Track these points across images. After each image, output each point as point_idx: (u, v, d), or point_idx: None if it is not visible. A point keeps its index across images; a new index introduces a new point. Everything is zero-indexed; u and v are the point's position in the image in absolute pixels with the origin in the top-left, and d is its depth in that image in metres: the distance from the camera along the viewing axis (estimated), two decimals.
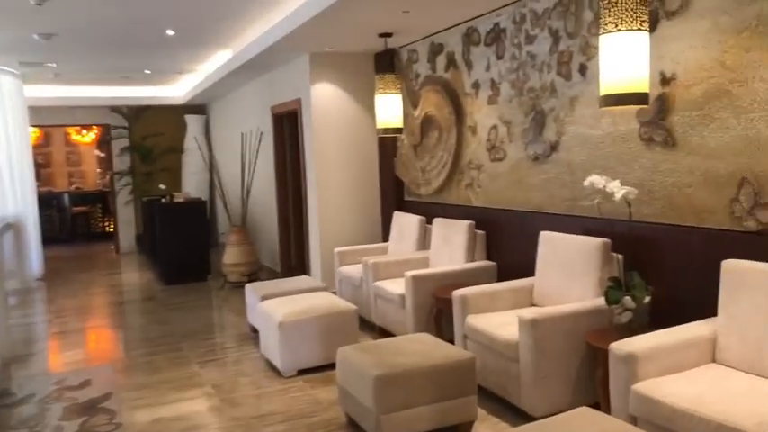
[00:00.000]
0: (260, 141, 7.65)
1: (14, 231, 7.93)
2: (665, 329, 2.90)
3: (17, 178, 8.17)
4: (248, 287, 5.49)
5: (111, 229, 12.05)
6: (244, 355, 4.95)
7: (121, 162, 11.10)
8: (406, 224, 5.81)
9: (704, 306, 3.07)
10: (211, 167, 10.46)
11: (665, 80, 3.34)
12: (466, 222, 4.93)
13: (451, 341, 3.89)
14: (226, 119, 10.01)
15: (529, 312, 3.33)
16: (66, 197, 12.52)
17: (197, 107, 11.47)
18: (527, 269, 4.41)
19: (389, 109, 5.43)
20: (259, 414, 3.75)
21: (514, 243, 4.67)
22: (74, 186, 14.08)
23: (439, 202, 5.64)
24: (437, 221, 5.32)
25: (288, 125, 7.55)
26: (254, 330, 5.43)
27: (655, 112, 3.41)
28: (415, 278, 4.60)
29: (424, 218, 5.63)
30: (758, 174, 2.93)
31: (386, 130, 5.46)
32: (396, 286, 4.88)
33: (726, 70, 3.04)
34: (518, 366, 3.37)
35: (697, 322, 2.97)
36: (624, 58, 2.97)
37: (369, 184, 6.61)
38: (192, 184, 11.00)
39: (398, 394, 3.12)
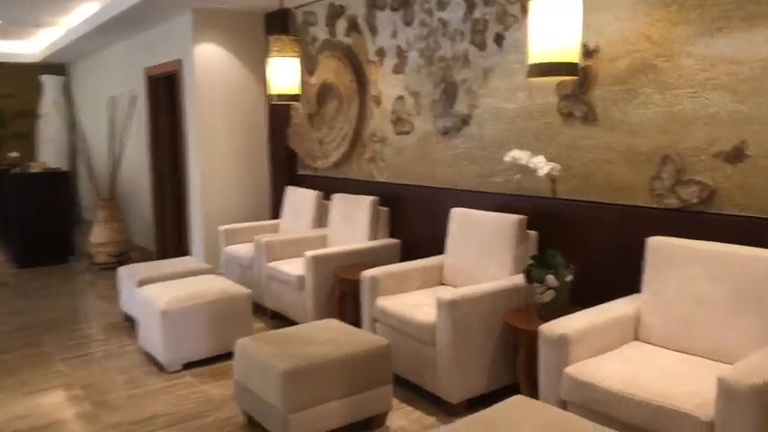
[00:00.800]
0: (132, 106, 6.87)
1: None
2: (591, 309, 2.79)
3: None
4: (121, 270, 4.86)
5: None
6: (118, 348, 4.36)
7: None
8: (300, 200, 5.42)
9: (623, 284, 3.01)
10: (74, 134, 9.39)
11: (587, 52, 3.22)
12: (369, 198, 4.64)
13: (356, 324, 3.60)
14: (91, 80, 8.97)
15: (448, 293, 3.11)
16: None
17: (55, 66, 10.23)
18: (433, 247, 4.21)
19: (286, 74, 4.98)
20: (141, 418, 3.25)
21: (420, 220, 4.45)
22: None
23: (338, 177, 5.30)
24: (337, 197, 4.99)
25: (165, 89, 6.83)
26: (129, 319, 4.85)
27: (576, 85, 3.29)
28: (315, 258, 4.25)
29: (321, 193, 5.27)
30: (681, 151, 2.88)
31: (281, 97, 5.00)
32: (293, 267, 4.50)
33: (652, 44, 2.96)
34: (434, 350, 3.16)
35: (620, 300, 2.89)
36: (555, 25, 2.79)
37: (257, 155, 6.13)
38: (50, 153, 9.84)
39: (309, 390, 2.78)
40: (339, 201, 4.95)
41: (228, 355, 3.98)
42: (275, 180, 6.14)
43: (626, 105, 3.09)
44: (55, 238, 7.11)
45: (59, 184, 7.16)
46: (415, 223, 4.52)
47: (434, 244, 4.24)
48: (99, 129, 7.81)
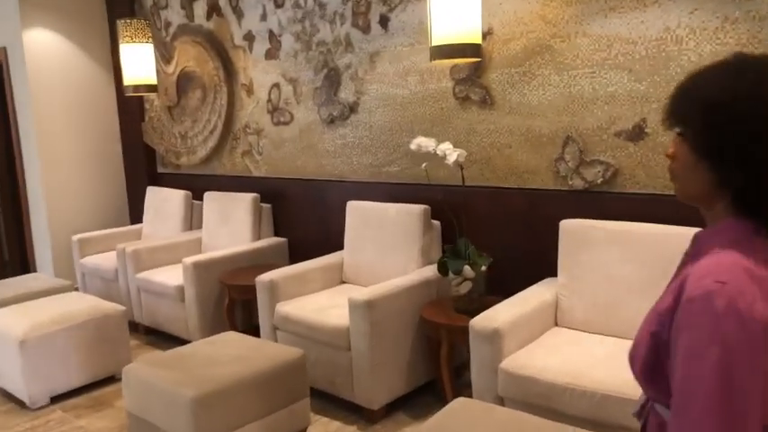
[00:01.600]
0: None
1: None
2: (512, 298, 2.74)
3: None
4: None
5: None
6: None
7: None
8: (165, 201, 4.92)
9: (535, 269, 3.02)
10: None
11: (481, 35, 3.16)
12: (249, 195, 4.30)
13: (250, 334, 3.29)
14: None
15: (361, 293, 2.92)
16: None
17: None
18: (324, 244, 4.01)
19: (139, 62, 4.45)
20: None
21: (308, 216, 4.20)
22: None
23: (207, 174, 4.87)
24: (210, 196, 4.57)
25: None
26: None
27: (471, 68, 3.23)
28: (196, 265, 3.84)
29: (189, 193, 4.81)
30: (582, 132, 2.91)
31: (137, 88, 4.47)
32: (168, 276, 4.05)
33: (547, 24, 2.95)
34: (349, 355, 2.96)
35: (536, 286, 2.88)
36: (457, 6, 2.69)
37: (110, 154, 5.48)
38: None
39: (222, 416, 2.47)
40: (213, 200, 4.54)
41: (105, 382, 3.51)
42: (132, 181, 5.54)
43: (523, 87, 3.07)
44: None
45: None
46: (301, 220, 4.26)
47: (326, 241, 4.03)
48: None
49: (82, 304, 3.60)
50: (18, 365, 3.23)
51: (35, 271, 5.38)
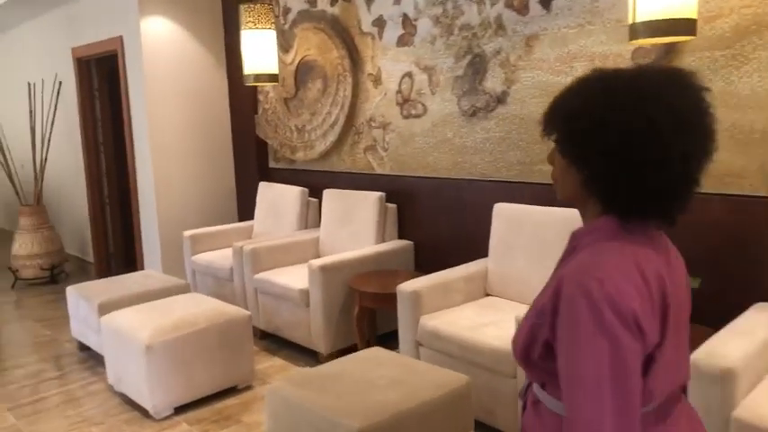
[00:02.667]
0: (58, 94, 5.81)
1: None
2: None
3: None
4: (72, 291, 3.96)
5: None
6: (80, 389, 3.49)
7: None
8: (279, 198, 4.66)
9: (745, 293, 2.52)
10: None
11: None
12: (375, 194, 3.97)
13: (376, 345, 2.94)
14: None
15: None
16: None
17: None
18: (459, 250, 3.63)
19: (263, 50, 4.20)
20: None
21: (438, 218, 3.83)
22: None
23: (325, 170, 4.57)
24: (330, 194, 4.27)
25: (99, 72, 5.82)
26: (84, 348, 3.98)
27: (661, 51, 2.75)
28: (324, 269, 3.53)
29: (306, 189, 4.54)
30: None
31: (257, 77, 4.22)
32: (291, 279, 3.76)
33: None
34: (514, 383, 2.56)
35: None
36: None
37: (220, 148, 5.28)
38: None
39: None
40: (334, 198, 4.24)
41: (229, 392, 3.25)
42: (242, 175, 5.33)
43: (731, 74, 2.57)
44: None
45: None
46: (430, 222, 3.89)
47: (460, 246, 3.65)
48: (15, 122, 6.64)
49: (203, 307, 3.35)
50: (143, 372, 3.01)
51: (141, 265, 5.25)
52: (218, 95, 5.23)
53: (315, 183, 4.59)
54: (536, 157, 3.28)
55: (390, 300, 3.19)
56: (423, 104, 3.82)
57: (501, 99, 3.40)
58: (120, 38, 5.04)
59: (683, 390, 1.13)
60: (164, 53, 4.91)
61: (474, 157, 3.58)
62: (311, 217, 4.57)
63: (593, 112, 1.00)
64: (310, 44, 4.51)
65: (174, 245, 4.98)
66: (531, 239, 3.07)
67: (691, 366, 2.00)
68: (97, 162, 5.88)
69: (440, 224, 3.83)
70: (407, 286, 3.00)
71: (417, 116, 3.86)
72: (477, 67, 3.49)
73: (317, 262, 3.56)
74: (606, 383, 0.93)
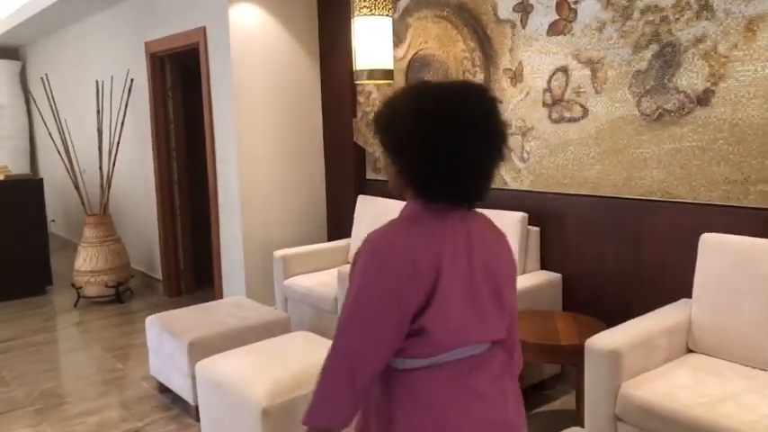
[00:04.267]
0: (129, 92, 5.28)
1: None
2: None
3: None
4: (154, 323, 3.37)
5: None
6: None
7: None
8: (384, 215, 3.98)
9: None
10: (58, 132, 7.66)
11: None
12: (517, 215, 3.27)
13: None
14: (63, 63, 7.24)
15: None
16: None
17: (7, 50, 8.43)
18: (628, 287, 2.91)
19: (378, 41, 3.55)
20: None
21: (598, 245, 3.11)
22: None
23: None
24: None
25: (175, 69, 5.28)
26: (165, 388, 3.39)
27: None
28: None
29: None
30: None
31: (371, 74, 3.58)
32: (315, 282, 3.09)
33: None
34: None
35: None
36: None
37: (310, 155, 4.66)
38: (3, 154, 8.07)
39: None
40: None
41: None
42: (334, 188, 4.69)
43: None
44: (27, 263, 5.48)
45: (33, 196, 5.52)
46: (584, 250, 3.17)
47: (631, 282, 2.93)
48: (81, 124, 6.15)
49: (320, 353, 2.69)
50: None
51: (218, 286, 4.64)
52: (310, 96, 4.61)
53: None
54: (756, 175, 2.54)
55: (559, 354, 2.51)
56: (582, 106, 3.11)
57: (702, 100, 2.67)
58: (203, 29, 4.46)
59: (506, 351, 1.35)
60: (253, 46, 4.31)
61: (657, 171, 2.85)
62: None
63: (395, 118, 1.23)
64: (428, 35, 3.85)
65: (259, 265, 4.36)
66: (764, 283, 2.33)
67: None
68: (168, 169, 5.32)
69: (601, 254, 3.11)
70: (602, 342, 2.29)
71: (573, 120, 3.16)
72: (668, 59, 2.77)
73: None
74: (347, 317, 1.20)
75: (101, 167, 5.30)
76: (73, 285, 5.22)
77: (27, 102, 8.36)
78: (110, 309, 5.11)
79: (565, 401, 3.11)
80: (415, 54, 3.94)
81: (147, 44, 5.18)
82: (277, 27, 4.40)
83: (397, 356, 1.22)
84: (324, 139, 4.70)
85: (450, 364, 1.23)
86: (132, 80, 5.26)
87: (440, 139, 1.18)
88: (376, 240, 1.21)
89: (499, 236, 1.35)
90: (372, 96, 4.28)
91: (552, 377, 3.20)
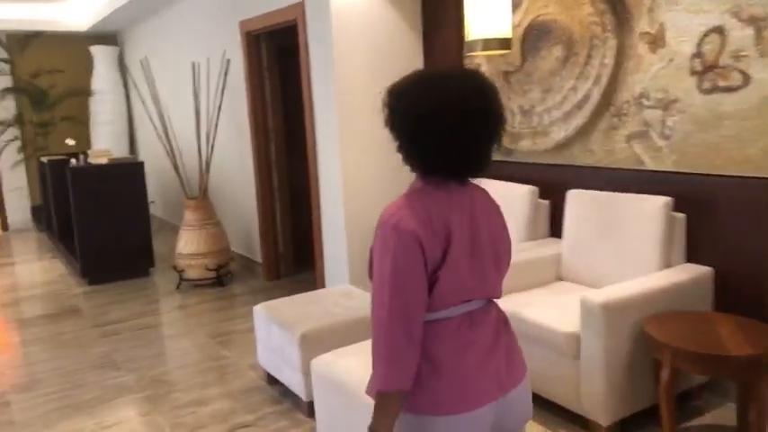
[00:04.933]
0: (225, 74, 5.18)
1: None
2: None
3: None
4: (261, 313, 3.24)
5: None
6: None
7: (2, 108, 8.13)
8: (496, 198, 3.68)
9: None
10: (157, 115, 7.81)
11: None
12: (659, 200, 2.89)
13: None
14: (158, 47, 7.30)
15: None
16: None
17: (106, 36, 8.62)
18: None
19: (494, 7, 3.23)
20: None
21: (758, 235, 2.69)
22: None
23: (562, 164, 3.55)
24: (579, 197, 3.25)
25: (271, 48, 5.14)
26: (273, 379, 3.27)
27: None
28: (607, 308, 2.52)
29: (535, 189, 3.55)
30: None
31: (486, 44, 3.26)
32: (546, 314, 2.79)
33: None
34: None
35: None
36: None
37: None
38: (106, 138, 8.29)
39: None
40: (585, 202, 3.20)
41: None
42: None
43: None
44: (131, 246, 5.55)
45: (134, 179, 5.57)
46: (743, 240, 2.76)
47: None
48: (178, 107, 6.15)
49: None
50: None
51: (320, 271, 4.49)
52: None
53: (546, 180, 3.59)
54: None
55: (727, 366, 2.16)
56: (743, 72, 2.68)
57: None
58: (302, 5, 4.26)
59: (497, 308, 1.48)
60: (353, 22, 4.07)
61: None
62: (541, 224, 3.58)
63: (398, 100, 1.38)
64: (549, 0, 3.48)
65: (363, 251, 4.17)
66: None
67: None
68: (266, 151, 5.21)
69: (763, 244, 2.69)
70: None
71: (731, 89, 2.73)
72: None
73: (595, 296, 2.55)
74: (387, 287, 1.31)
75: (199, 150, 5.26)
76: (174, 268, 5.23)
77: (125, 86, 8.53)
78: (211, 292, 5.09)
79: (717, 415, 2.74)
80: (533, 20, 3.58)
81: (242, 23, 5.05)
82: (379, 1, 4.13)
83: None
84: None
85: (449, 320, 1.37)
86: (228, 61, 5.16)
87: (431, 122, 1.32)
88: (394, 212, 1.35)
89: (495, 206, 1.51)
90: (482, 69, 3.95)
91: (699, 386, 2.83)
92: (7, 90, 8.06)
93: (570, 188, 3.35)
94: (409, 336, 1.30)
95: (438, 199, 1.36)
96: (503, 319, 1.47)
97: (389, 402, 1.33)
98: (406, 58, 4.29)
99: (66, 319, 4.61)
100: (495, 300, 1.47)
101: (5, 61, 8.00)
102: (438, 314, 1.36)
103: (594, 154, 3.36)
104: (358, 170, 4.17)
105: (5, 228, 8.29)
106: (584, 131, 3.38)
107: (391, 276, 1.30)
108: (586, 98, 3.32)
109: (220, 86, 5.18)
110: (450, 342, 1.36)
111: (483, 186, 1.51)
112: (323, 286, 4.48)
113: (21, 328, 4.50)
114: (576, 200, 3.25)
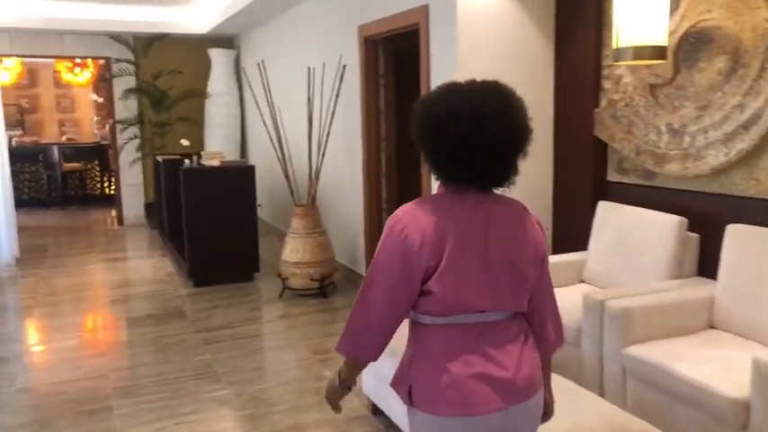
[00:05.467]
0: (341, 80, 5.03)
1: None
2: None
3: None
4: None
5: (113, 192, 9.54)
6: None
7: (125, 108, 8.46)
8: (636, 228, 3.28)
9: None
10: (271, 121, 7.86)
11: None
12: None
13: None
14: (274, 51, 7.32)
15: None
16: (55, 150, 9.89)
17: (224, 39, 8.80)
18: None
19: (647, 11, 2.84)
20: None
21: None
22: (65, 137, 11.47)
23: (718, 193, 3.08)
24: (742, 232, 2.78)
25: (388, 54, 4.94)
26: (377, 410, 3.03)
27: None
28: None
29: (684, 220, 3.11)
30: None
31: (638, 53, 2.88)
32: (701, 370, 2.37)
33: None
34: None
35: None
36: None
37: (540, 153, 4.04)
38: (218, 141, 8.44)
39: None
40: (751, 240, 2.74)
41: None
42: (564, 188, 4.03)
43: None
44: (238, 249, 5.52)
45: (245, 183, 5.55)
46: None
47: None
48: (291, 112, 6.09)
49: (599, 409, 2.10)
50: None
51: None
52: (541, 83, 3.99)
53: (696, 210, 3.14)
54: None
55: None
56: None
57: None
58: (426, 9, 4.02)
59: (534, 325, 1.53)
60: (479, 26, 3.78)
61: None
62: (688, 261, 3.13)
63: (421, 112, 1.44)
64: (711, 2, 3.03)
65: None
66: None
67: None
68: (377, 161, 5.02)
69: None
70: None
71: None
72: None
73: None
74: (371, 275, 1.44)
75: (309, 156, 5.14)
76: (279, 276, 5.13)
77: (240, 90, 8.67)
78: (313, 303, 4.95)
79: None
80: (691, 27, 3.14)
81: (360, 27, 4.89)
82: (509, 3, 3.82)
83: (416, 312, 1.46)
84: (554, 133, 4.06)
85: (461, 326, 1.42)
86: (345, 66, 5.00)
87: (447, 130, 1.36)
88: (398, 214, 1.43)
89: (523, 223, 1.47)
90: (624, 81, 3.54)
91: None
92: (130, 90, 8.38)
93: (727, 221, 2.89)
94: (372, 322, 1.44)
95: (446, 209, 1.41)
96: (524, 333, 1.49)
97: (350, 363, 1.54)
98: (536, 65, 3.95)
99: (171, 321, 4.60)
100: (519, 313, 1.49)
101: (131, 62, 8.32)
102: (440, 319, 1.43)
103: (761, 183, 2.88)
104: None
105: (121, 222, 8.62)
106: (749, 157, 2.91)
107: (374, 269, 1.43)
108: (756, 118, 2.85)
109: (335, 92, 5.04)
110: (454, 348, 1.42)
111: (521, 203, 1.52)
112: None
113: (128, 327, 4.53)
114: (739, 236, 2.79)
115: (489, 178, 1.42)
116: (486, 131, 1.34)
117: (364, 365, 1.55)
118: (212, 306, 4.92)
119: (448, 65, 3.84)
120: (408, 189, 4.79)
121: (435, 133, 1.38)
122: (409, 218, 1.39)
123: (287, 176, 5.21)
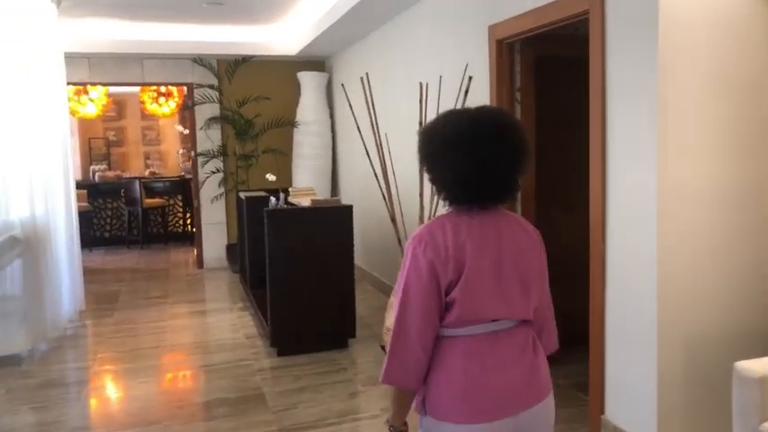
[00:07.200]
0: (465, 94, 3.89)
1: (28, 249, 4.62)
2: None
3: (40, 164, 4.88)
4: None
5: (194, 230, 8.81)
6: None
7: (208, 138, 7.69)
8: None
9: None
10: (376, 149, 6.90)
11: None
12: None
13: None
14: (369, 71, 6.31)
15: None
16: (137, 185, 9.29)
17: (315, 61, 7.93)
18: None
19: None
20: None
21: None
22: (148, 171, 10.96)
23: None
24: None
25: (527, 61, 3.79)
26: None
27: None
28: None
29: None
30: None
31: None
32: None
33: None
34: None
35: None
36: None
37: (760, 148, 2.75)
38: (306, 174, 7.51)
39: None
40: None
41: None
42: None
43: None
44: (330, 311, 4.45)
45: (337, 227, 4.49)
46: None
47: None
48: (393, 140, 4.99)
49: None
50: None
51: (591, 380, 2.95)
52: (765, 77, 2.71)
53: None
54: None
55: None
56: None
57: None
58: None
59: (528, 329, 1.59)
60: (688, 15, 2.56)
61: None
62: None
63: (424, 138, 1.56)
64: None
65: (688, 370, 2.57)
66: None
67: None
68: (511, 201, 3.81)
69: None
70: None
71: None
72: None
73: None
74: (401, 300, 1.50)
75: (421, 194, 4.02)
76: (383, 348, 4.00)
77: (332, 116, 7.75)
78: None
79: None
80: None
81: (492, 28, 3.76)
82: None
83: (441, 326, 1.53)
84: None
85: (476, 335, 1.50)
86: (471, 78, 3.87)
87: (447, 151, 1.49)
88: (416, 237, 1.52)
89: (529, 234, 1.60)
90: None
91: None
92: (213, 119, 7.63)
93: None
94: (411, 341, 1.49)
95: (460, 226, 1.50)
96: (532, 340, 1.57)
97: (399, 395, 1.56)
98: (757, 57, 2.67)
99: (249, 411, 3.53)
100: (527, 321, 1.57)
101: (213, 88, 7.57)
102: (458, 330, 1.50)
103: None
104: (682, 233, 2.61)
105: (200, 265, 7.81)
106: None
107: (404, 293, 1.50)
108: None
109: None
110: (469, 357, 1.49)
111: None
112: (600, 413, 2.95)
113: (193, 418, 3.51)
114: None
115: (491, 197, 1.53)
116: (485, 150, 1.46)
117: (411, 396, 1.55)
118: (298, 388, 3.83)
119: (638, 67, 2.63)
120: (569, 239, 3.57)
121: (436, 156, 1.53)
122: (429, 237, 1.50)
123: (393, 220, 4.11)
